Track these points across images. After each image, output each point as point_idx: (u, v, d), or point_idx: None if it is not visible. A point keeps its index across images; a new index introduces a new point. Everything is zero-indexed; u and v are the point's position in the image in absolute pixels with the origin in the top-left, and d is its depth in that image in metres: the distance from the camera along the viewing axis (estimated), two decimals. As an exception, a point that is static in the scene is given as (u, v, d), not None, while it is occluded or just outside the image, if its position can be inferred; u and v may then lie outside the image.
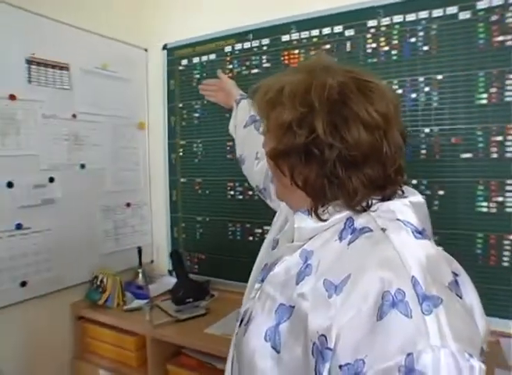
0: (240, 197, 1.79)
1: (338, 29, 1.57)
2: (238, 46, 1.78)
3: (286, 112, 0.62)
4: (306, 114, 0.61)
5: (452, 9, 1.41)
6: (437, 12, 1.42)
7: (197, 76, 1.88)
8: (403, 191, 0.65)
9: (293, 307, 0.60)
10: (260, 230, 1.75)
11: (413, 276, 0.50)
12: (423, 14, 1.44)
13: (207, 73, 1.85)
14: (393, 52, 1.49)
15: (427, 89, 1.44)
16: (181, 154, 1.95)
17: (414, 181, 1.45)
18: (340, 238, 0.61)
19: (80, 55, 1.73)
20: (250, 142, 1.32)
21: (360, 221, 0.61)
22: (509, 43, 1.32)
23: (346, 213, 0.62)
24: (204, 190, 1.89)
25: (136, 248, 1.92)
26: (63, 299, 1.71)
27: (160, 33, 2.00)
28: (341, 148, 0.58)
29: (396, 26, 1.48)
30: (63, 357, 1.73)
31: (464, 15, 1.39)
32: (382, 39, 1.50)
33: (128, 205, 1.98)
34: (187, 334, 1.49)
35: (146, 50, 2.05)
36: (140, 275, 1.90)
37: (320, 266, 0.60)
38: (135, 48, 2.01)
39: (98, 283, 1.71)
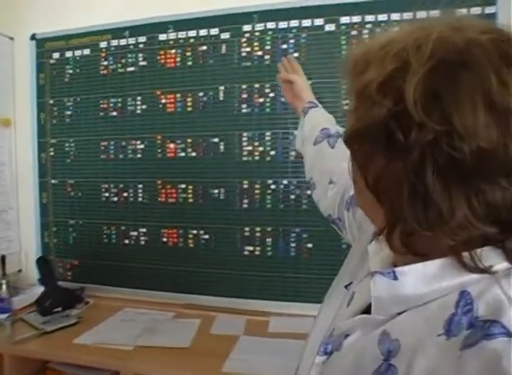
0: (115, 199, 1.71)
1: (214, 31, 1.59)
2: (114, 42, 1.71)
3: (370, 71, 0.41)
4: (394, 73, 0.39)
5: (319, 21, 1.50)
6: (306, 22, 1.51)
7: (70, 71, 1.77)
8: None
9: None
10: (135, 233, 1.69)
11: None
12: (294, 23, 1.52)
13: (80, 68, 1.75)
14: (266, 57, 1.54)
15: (296, 94, 1.51)
16: (52, 154, 1.81)
17: (285, 181, 1.51)
18: (448, 332, 0.37)
19: None
20: (322, 163, 0.98)
21: (486, 301, 0.36)
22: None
23: (461, 278, 0.39)
24: (76, 192, 1.77)
25: (-1, 257, 1.73)
26: None
27: (28, 21, 1.83)
28: (439, 131, 0.35)
29: (269, 33, 1.54)
30: None
31: (330, 27, 1.50)
32: (256, 44, 1.55)
33: (-11, 209, 1.78)
34: (54, 347, 1.36)
35: (12, 38, 1.87)
36: (4, 286, 1.72)
37: (412, 374, 0.38)
38: (-1, 36, 1.83)
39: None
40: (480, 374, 0.33)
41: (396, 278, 0.42)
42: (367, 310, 0.48)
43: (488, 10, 1.39)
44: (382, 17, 1.45)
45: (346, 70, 0.47)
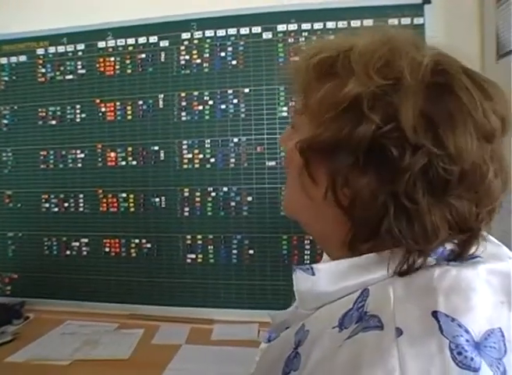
0: (56, 209, 1.67)
1: (153, 39, 1.58)
2: (52, 49, 1.67)
3: (351, 82, 0.40)
4: (387, 90, 0.39)
5: (257, 29, 1.52)
6: (244, 30, 1.53)
7: (6, 78, 1.71)
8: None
9: None
10: (77, 244, 1.65)
11: None
12: (232, 31, 1.53)
13: (17, 75, 1.70)
14: (205, 65, 1.55)
15: (235, 101, 1.52)
16: (-12, 164, 1.75)
17: (225, 188, 1.52)
18: (341, 325, 0.40)
19: None
20: None
21: (373, 299, 0.39)
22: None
23: (365, 277, 0.42)
24: (15, 203, 1.72)
25: None
26: None
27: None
28: (435, 154, 0.37)
29: (208, 40, 1.55)
30: None
31: (267, 35, 1.52)
32: (195, 52, 1.55)
33: None
34: (-18, 368, 1.32)
35: None
36: None
37: (309, 362, 0.40)
38: None
39: None
40: (345, 362, 0.35)
41: (313, 274, 0.45)
42: None
43: (417, 21, 1.44)
44: (318, 25, 1.49)
45: (302, 71, 0.47)
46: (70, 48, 1.66)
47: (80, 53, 1.65)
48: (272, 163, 1.50)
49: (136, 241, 1.60)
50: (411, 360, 0.32)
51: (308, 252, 1.49)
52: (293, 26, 1.50)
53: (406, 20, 1.44)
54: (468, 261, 0.40)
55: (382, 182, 0.39)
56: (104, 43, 1.62)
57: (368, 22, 1.45)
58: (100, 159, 1.62)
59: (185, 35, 1.56)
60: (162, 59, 1.57)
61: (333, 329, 0.40)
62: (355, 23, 1.47)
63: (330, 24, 1.49)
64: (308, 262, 1.50)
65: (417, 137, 0.37)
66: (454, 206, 0.39)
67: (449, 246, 0.41)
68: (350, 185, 0.41)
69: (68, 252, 1.67)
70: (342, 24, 1.48)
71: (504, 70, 1.27)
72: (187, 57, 1.56)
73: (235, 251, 1.53)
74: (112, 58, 1.61)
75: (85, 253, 1.66)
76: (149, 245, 1.59)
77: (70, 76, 1.65)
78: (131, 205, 1.60)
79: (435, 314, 0.34)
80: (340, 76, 0.43)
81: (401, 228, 0.39)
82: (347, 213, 0.42)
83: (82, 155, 1.64)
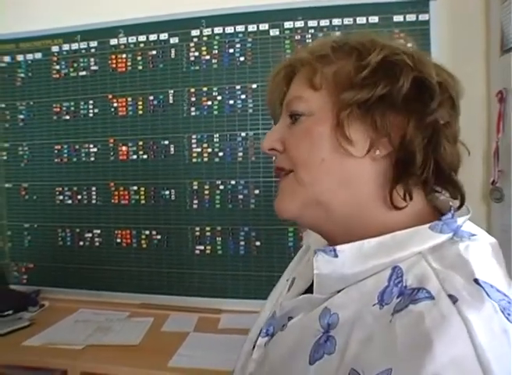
0: (69, 201, 1.73)
1: (164, 36, 1.63)
2: (66, 46, 1.73)
3: (373, 53, 0.46)
4: (397, 58, 0.45)
5: (264, 26, 1.56)
6: (252, 27, 1.56)
7: (22, 75, 1.77)
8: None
9: None
10: (90, 235, 1.71)
11: None
12: (240, 28, 1.57)
13: (32, 72, 1.76)
14: (214, 61, 1.59)
15: (243, 96, 1.56)
16: (5, 158, 1.81)
17: (233, 182, 1.56)
18: (381, 302, 0.41)
19: None
20: None
21: (414, 273, 0.41)
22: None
23: (394, 255, 0.44)
24: (31, 195, 1.78)
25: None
26: None
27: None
28: (446, 96, 0.46)
29: (217, 37, 1.59)
30: None
31: (274, 32, 1.55)
32: (204, 48, 1.59)
33: None
34: (1, 350, 1.38)
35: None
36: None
37: (351, 343, 0.40)
38: None
39: None
40: (407, 333, 0.36)
41: (336, 256, 0.46)
42: (308, 292, 0.51)
43: (422, 17, 1.46)
44: (324, 22, 1.52)
45: (346, 50, 0.50)
46: (83, 45, 1.71)
47: (92, 50, 1.70)
48: (279, 157, 1.53)
49: (147, 232, 1.65)
50: (475, 321, 0.34)
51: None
52: (299, 23, 1.53)
53: (411, 17, 1.46)
54: (473, 237, 0.44)
55: (418, 120, 0.44)
56: (116, 40, 1.67)
57: (374, 19, 1.49)
58: (112, 153, 1.68)
59: (194, 32, 1.60)
60: (172, 56, 1.62)
61: (373, 306, 0.41)
62: (361, 20, 1.50)
63: (336, 21, 1.51)
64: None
65: (436, 85, 0.44)
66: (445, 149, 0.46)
67: (459, 221, 0.44)
68: (396, 126, 0.45)
69: (81, 243, 1.73)
70: (348, 21, 1.51)
71: (507, 65, 1.29)
72: (197, 53, 1.60)
73: (242, 243, 1.57)
74: (124, 55, 1.66)
75: (97, 244, 1.71)
76: (159, 237, 1.64)
77: (83, 73, 1.71)
78: (142, 197, 1.65)
79: (477, 281, 0.37)
80: (348, 58, 0.48)
81: (419, 173, 0.45)
82: (395, 158, 0.46)
83: (95, 149, 1.70)
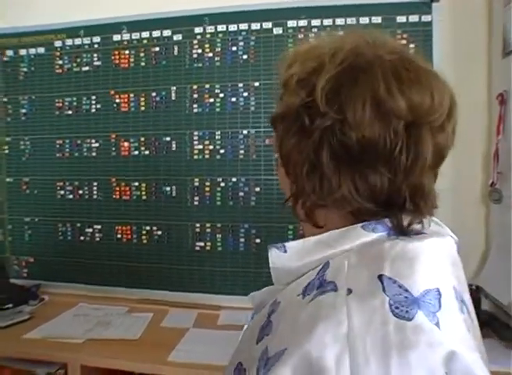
0: (70, 196, 1.74)
1: (167, 33, 1.63)
2: (69, 42, 1.73)
3: (294, 67, 0.51)
4: (312, 71, 0.48)
5: (267, 24, 1.56)
6: (255, 26, 1.57)
7: (25, 69, 1.78)
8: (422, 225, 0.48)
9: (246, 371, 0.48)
10: (90, 230, 1.72)
11: None
12: (243, 26, 1.57)
13: (35, 67, 1.77)
14: (217, 59, 1.59)
15: (245, 94, 1.57)
16: (6, 152, 1.82)
17: (234, 179, 1.57)
18: (304, 292, 0.46)
19: None
20: None
21: (332, 269, 0.45)
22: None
23: (327, 252, 0.47)
24: (32, 189, 1.79)
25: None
26: None
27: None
28: (334, 119, 0.45)
29: (220, 35, 1.59)
30: None
31: (277, 30, 1.56)
32: (207, 46, 1.60)
33: None
34: (2, 342, 1.39)
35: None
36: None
37: (280, 326, 0.45)
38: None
39: None
40: (305, 318, 0.41)
41: (285, 251, 0.51)
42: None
43: (425, 18, 1.47)
44: (327, 22, 1.52)
45: (279, 65, 0.56)
46: (87, 40, 1.71)
47: (95, 46, 1.70)
48: (280, 155, 1.54)
49: (148, 228, 1.66)
50: (357, 313, 0.38)
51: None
52: (302, 22, 1.54)
53: (414, 18, 1.47)
54: (416, 236, 0.46)
55: (302, 144, 0.48)
56: (119, 36, 1.68)
57: (377, 19, 1.50)
58: (113, 149, 1.68)
59: (198, 29, 1.61)
60: (175, 53, 1.62)
61: (298, 296, 0.46)
62: (364, 20, 1.51)
63: (339, 21, 1.52)
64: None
65: (322, 104, 0.45)
66: (365, 175, 0.45)
67: (388, 223, 0.46)
68: (286, 145, 0.50)
69: (81, 238, 1.74)
70: (351, 21, 1.51)
71: (509, 68, 1.30)
72: (200, 51, 1.60)
73: (242, 240, 1.58)
74: (127, 51, 1.67)
75: (98, 239, 1.72)
76: (160, 232, 1.65)
77: (86, 68, 1.71)
78: (143, 193, 1.66)
79: (380, 277, 0.40)
80: (290, 64, 0.52)
81: (314, 185, 0.47)
82: (286, 173, 0.52)
83: (96, 145, 1.70)
